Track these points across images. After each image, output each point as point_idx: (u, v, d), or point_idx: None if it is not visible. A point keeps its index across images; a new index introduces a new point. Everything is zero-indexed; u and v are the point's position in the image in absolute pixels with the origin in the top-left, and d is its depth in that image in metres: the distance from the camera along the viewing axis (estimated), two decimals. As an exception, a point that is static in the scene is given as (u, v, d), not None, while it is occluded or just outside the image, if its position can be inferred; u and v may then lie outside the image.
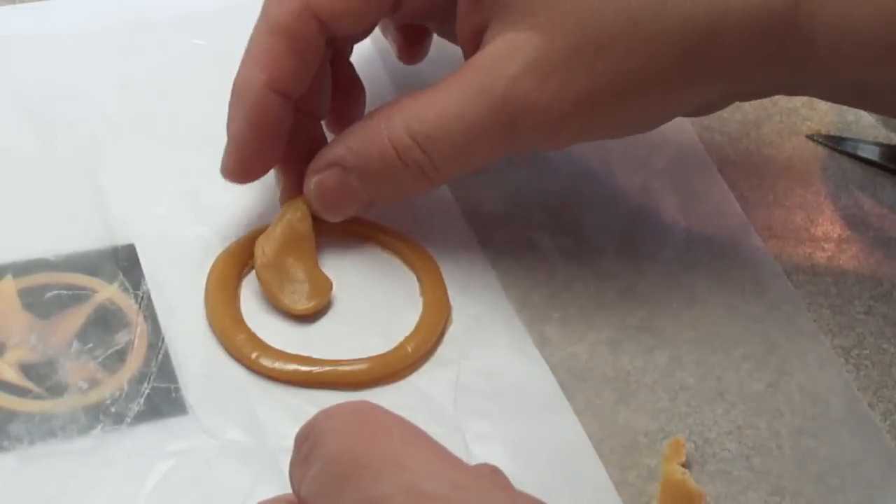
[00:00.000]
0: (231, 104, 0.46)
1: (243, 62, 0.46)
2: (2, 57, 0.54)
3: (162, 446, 0.41)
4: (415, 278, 0.48)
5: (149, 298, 0.45)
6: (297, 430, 0.33)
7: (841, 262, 0.51)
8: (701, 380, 0.46)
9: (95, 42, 0.55)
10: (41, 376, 0.43)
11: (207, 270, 0.46)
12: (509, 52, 0.44)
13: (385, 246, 0.49)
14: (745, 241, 0.51)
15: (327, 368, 0.44)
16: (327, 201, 0.47)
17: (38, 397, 0.42)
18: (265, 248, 0.46)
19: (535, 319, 0.47)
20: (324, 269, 0.47)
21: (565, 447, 0.44)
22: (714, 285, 0.49)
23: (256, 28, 0.46)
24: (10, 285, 0.45)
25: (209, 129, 0.48)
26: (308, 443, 0.32)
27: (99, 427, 0.42)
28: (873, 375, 0.48)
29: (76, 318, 0.45)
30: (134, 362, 0.44)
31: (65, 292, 0.45)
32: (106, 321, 0.45)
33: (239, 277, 0.47)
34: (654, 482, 0.43)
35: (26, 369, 0.43)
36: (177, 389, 0.43)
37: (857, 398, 0.46)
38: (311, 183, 0.46)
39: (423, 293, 0.47)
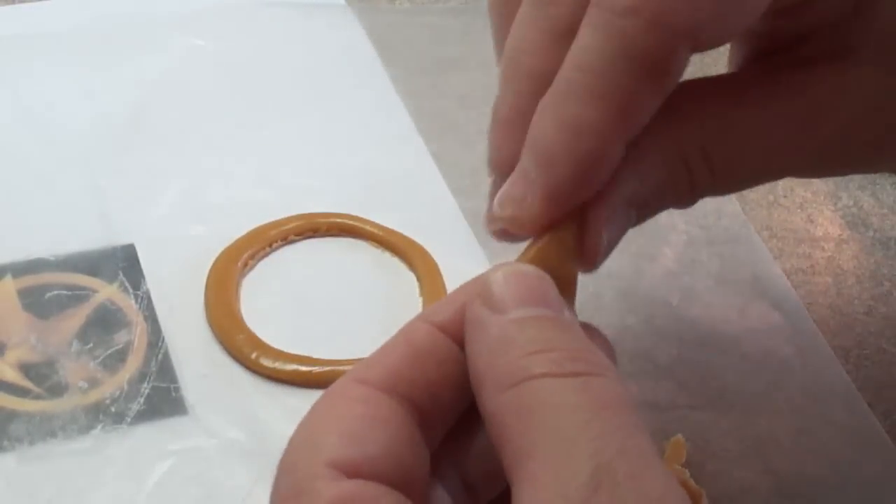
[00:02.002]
0: None
1: None
2: (2, 57, 0.54)
3: (162, 446, 0.41)
4: (415, 278, 0.48)
5: (149, 298, 0.45)
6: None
7: (841, 262, 0.51)
8: (701, 380, 0.46)
9: (95, 42, 0.55)
10: (41, 376, 0.43)
11: (207, 270, 0.46)
12: None
13: (385, 246, 0.49)
14: (745, 242, 0.51)
15: (327, 368, 0.44)
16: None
17: (38, 397, 0.42)
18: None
19: (535, 319, 0.47)
20: (323, 270, 0.47)
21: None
22: (714, 285, 0.49)
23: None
24: (10, 285, 0.45)
25: (209, 128, 0.48)
26: None
27: (99, 427, 0.42)
28: (873, 375, 0.48)
29: (76, 318, 0.45)
30: (134, 362, 0.44)
31: (65, 292, 0.45)
32: (106, 321, 0.45)
33: (239, 277, 0.47)
34: (654, 482, 0.43)
35: (26, 369, 0.43)
36: (177, 389, 0.43)
37: (857, 398, 0.46)
38: None
39: (422, 293, 0.47)
